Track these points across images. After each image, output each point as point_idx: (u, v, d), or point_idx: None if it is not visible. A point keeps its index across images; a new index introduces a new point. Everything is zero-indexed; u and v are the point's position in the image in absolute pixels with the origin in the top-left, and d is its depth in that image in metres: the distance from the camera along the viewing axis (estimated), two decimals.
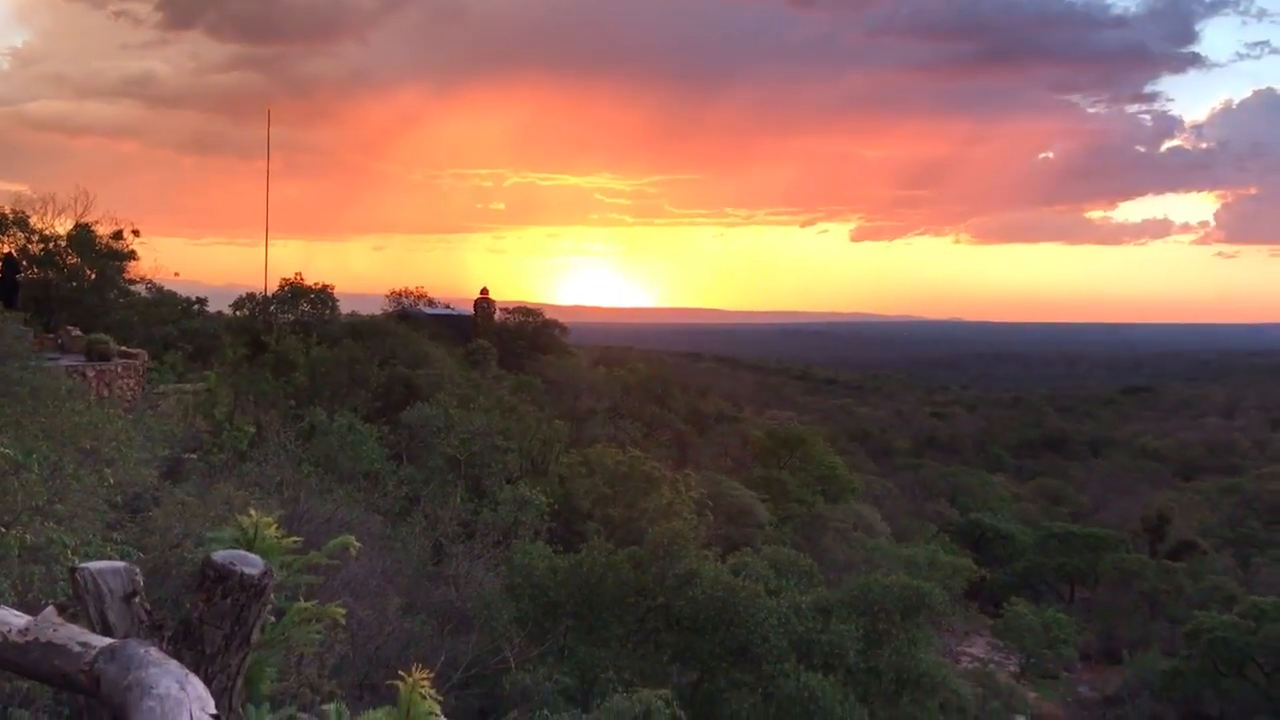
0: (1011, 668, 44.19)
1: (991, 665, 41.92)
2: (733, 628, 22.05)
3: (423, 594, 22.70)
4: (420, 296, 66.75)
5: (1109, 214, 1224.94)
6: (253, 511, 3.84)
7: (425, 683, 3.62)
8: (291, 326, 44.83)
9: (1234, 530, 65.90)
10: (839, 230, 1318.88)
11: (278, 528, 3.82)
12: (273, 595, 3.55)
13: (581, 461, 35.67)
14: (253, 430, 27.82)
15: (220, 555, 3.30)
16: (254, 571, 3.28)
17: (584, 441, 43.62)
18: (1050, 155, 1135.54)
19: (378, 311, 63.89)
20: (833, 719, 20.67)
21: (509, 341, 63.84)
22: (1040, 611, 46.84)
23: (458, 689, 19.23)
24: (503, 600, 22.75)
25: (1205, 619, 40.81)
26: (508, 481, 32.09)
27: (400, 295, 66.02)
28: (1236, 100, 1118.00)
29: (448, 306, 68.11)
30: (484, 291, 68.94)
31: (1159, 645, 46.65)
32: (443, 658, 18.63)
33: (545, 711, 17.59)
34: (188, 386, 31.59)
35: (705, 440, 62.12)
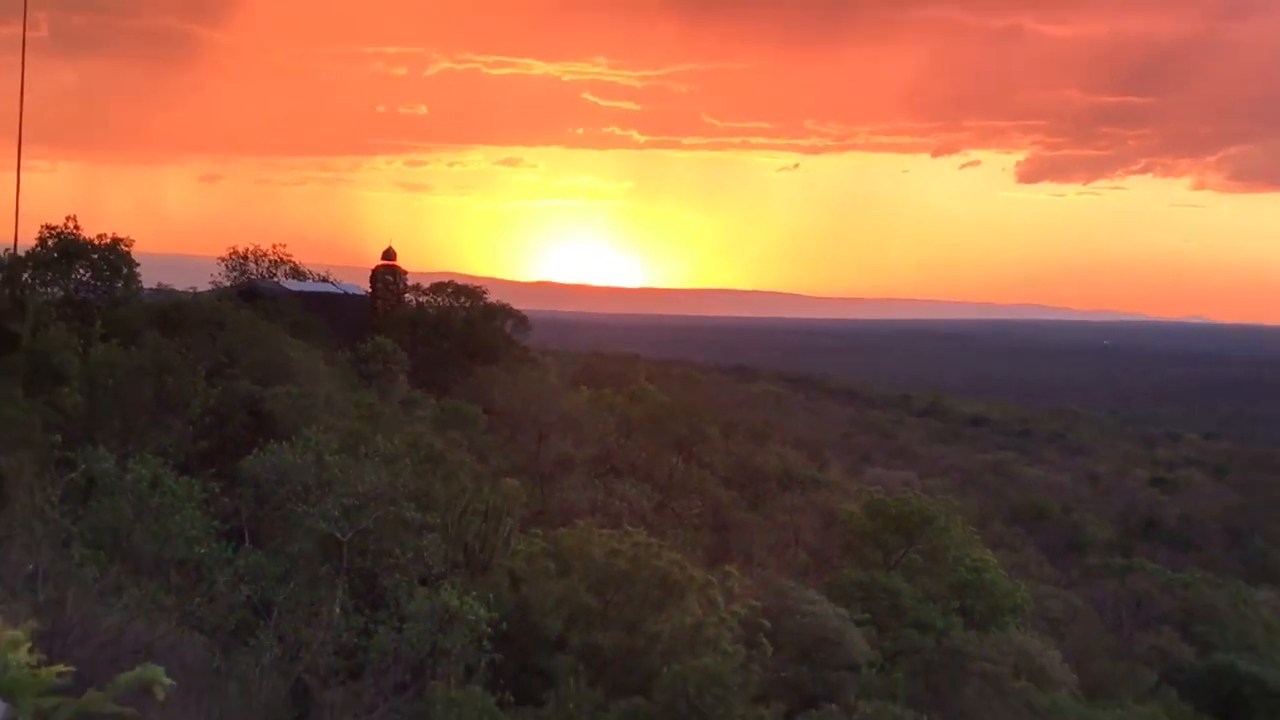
0: None
1: None
2: None
3: None
4: (279, 262, 67.03)
5: None
6: None
7: None
8: (60, 308, 44.87)
9: None
10: (998, 163, 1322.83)
11: (33, 648, 3.80)
12: None
13: (549, 550, 35.57)
14: None
15: None
16: None
17: (554, 515, 43.50)
18: None
19: (207, 285, 64.12)
20: None
21: (429, 340, 63.97)
22: None
23: None
24: None
25: None
26: (422, 581, 32.03)
27: (246, 259, 66.29)
28: None
29: (326, 279, 68.39)
30: (388, 256, 69.11)
31: None
32: None
33: None
34: None
35: (761, 517, 61.93)
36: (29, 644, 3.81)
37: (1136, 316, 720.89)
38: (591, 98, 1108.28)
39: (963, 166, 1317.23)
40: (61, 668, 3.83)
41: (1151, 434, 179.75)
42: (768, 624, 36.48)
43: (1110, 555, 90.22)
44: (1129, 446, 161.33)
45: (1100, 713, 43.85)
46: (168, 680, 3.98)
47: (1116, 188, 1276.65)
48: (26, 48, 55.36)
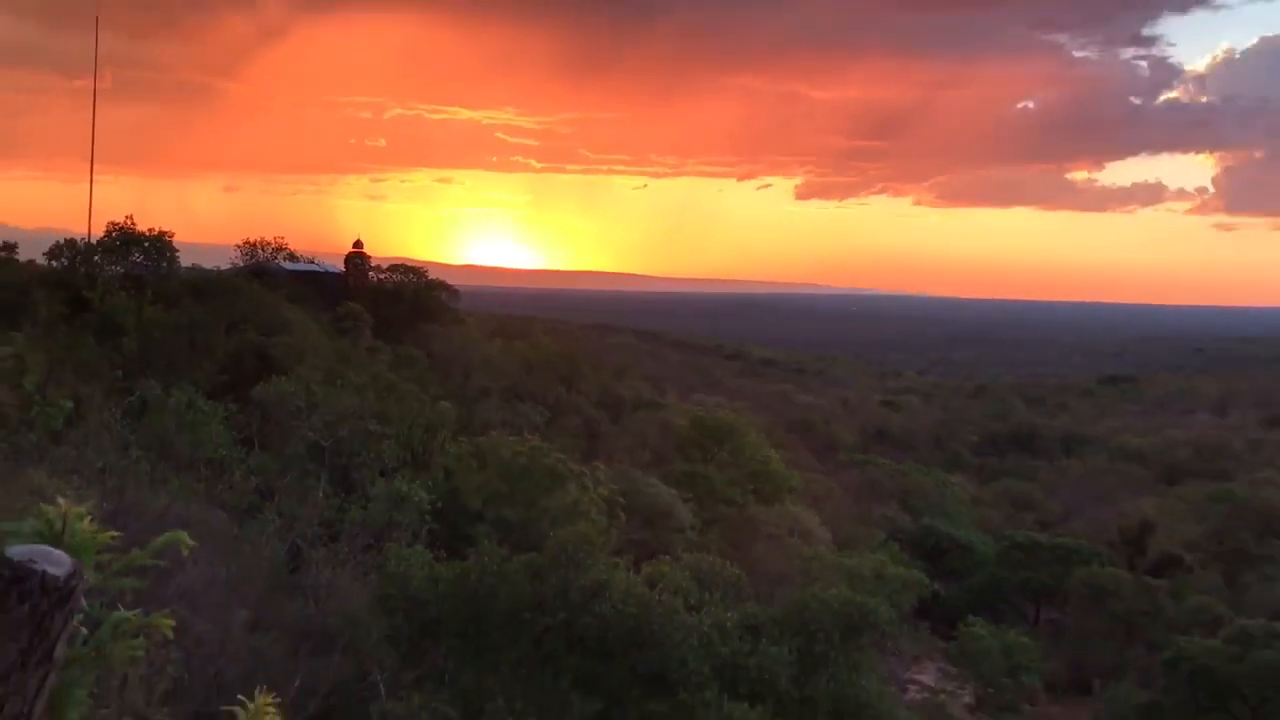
0: (966, 698, 45.18)
1: (943, 696, 42.82)
2: (646, 650, 22.18)
3: (275, 607, 22.42)
4: (279, 249, 65.65)
5: (1094, 176, 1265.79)
6: (61, 500, 3.72)
7: (272, 709, 3.55)
8: (120, 281, 43.87)
9: (1222, 543, 68.13)
10: (783, 186, 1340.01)
11: (92, 520, 3.70)
12: (84, 602, 3.45)
13: (472, 451, 35.44)
14: (70, 406, 27.12)
15: (17, 551, 3.19)
16: (59, 572, 3.17)
17: (475, 428, 43.35)
18: (1030, 105, 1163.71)
19: (226, 265, 62.77)
20: None
21: (386, 306, 63.18)
22: (1000, 634, 47.97)
23: (316, 719, 19.06)
24: (372, 615, 22.55)
25: (1187, 645, 42.22)
26: (382, 474, 31.79)
27: (255, 247, 64.84)
28: (1240, 49, 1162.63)
29: (312, 262, 67.12)
30: (358, 245, 68.10)
31: (1134, 675, 48.12)
32: (298, 682, 18.44)
33: None
34: None
35: (619, 429, 62.23)
36: (90, 516, 3.72)
37: (874, 291, 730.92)
38: (503, 136, 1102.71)
39: (759, 188, 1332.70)
40: (113, 533, 3.74)
41: (883, 371, 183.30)
42: (623, 501, 36.63)
43: (854, 453, 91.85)
44: (868, 379, 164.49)
45: (847, 559, 44.63)
46: (191, 541, 3.91)
47: (862, 204, 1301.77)
48: (96, 95, 54.18)
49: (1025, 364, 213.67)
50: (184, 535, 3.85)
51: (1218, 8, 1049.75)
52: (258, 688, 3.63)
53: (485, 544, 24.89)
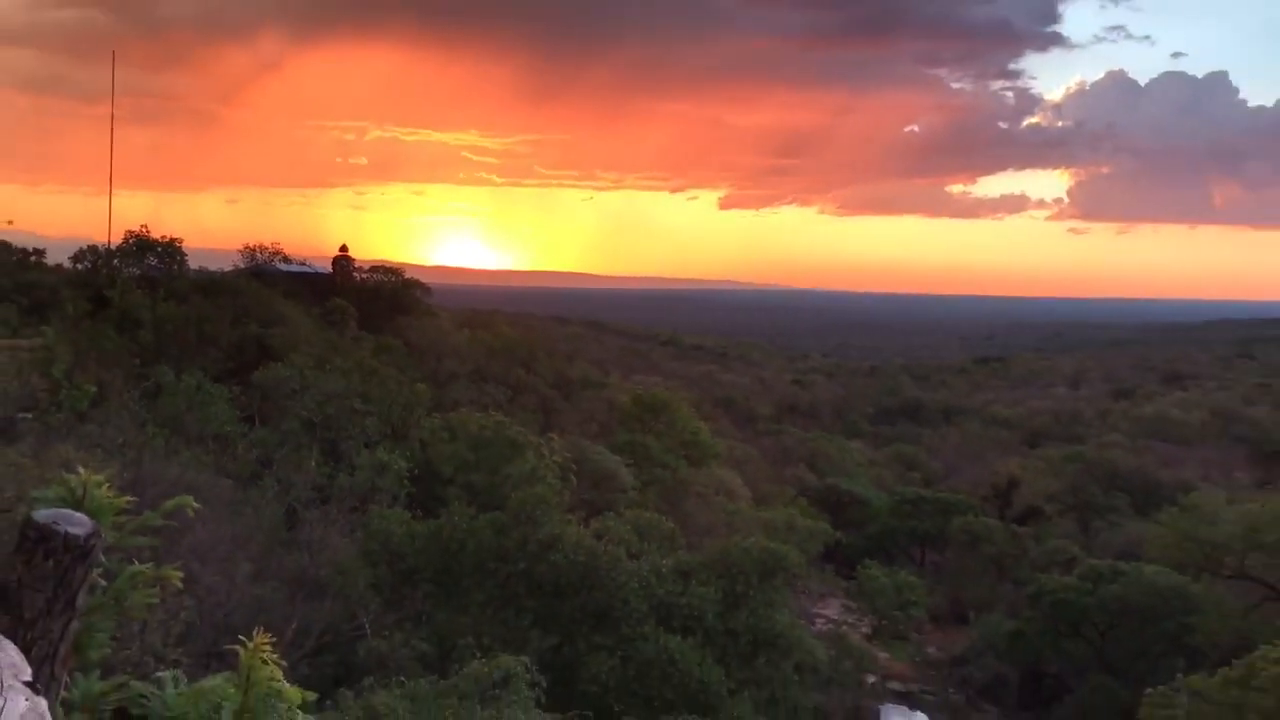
0: (864, 629, 45.73)
1: (845, 626, 43.29)
2: (594, 592, 22.25)
3: (275, 560, 22.19)
4: (275, 253, 64.80)
5: (969, 189, 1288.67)
6: (82, 470, 3.66)
7: (268, 648, 3.53)
8: (137, 282, 43.11)
9: (1076, 496, 69.43)
10: (708, 197, 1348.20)
11: (110, 486, 3.65)
12: (104, 558, 3.41)
13: (443, 426, 35.26)
14: (93, 390, 26.66)
15: (42, 514, 3.15)
16: (79, 532, 3.13)
17: (446, 405, 43.15)
18: (915, 129, 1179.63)
19: (229, 267, 61.83)
20: (690, 680, 21.10)
21: (368, 302, 62.54)
22: (892, 574, 48.53)
23: (310, 656, 18.91)
24: (359, 566, 22.41)
25: (1047, 582, 43.08)
26: (366, 446, 31.54)
27: (254, 251, 63.92)
28: (1090, 81, 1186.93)
29: (304, 264, 66.27)
30: (343, 249, 67.24)
31: (1004, 607, 48.97)
32: (295, 625, 18.29)
33: (401, 678, 17.44)
34: (23, 343, 30.15)
35: (571, 405, 62.16)
36: (108, 484, 3.67)
37: (786, 287, 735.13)
38: (468, 154, 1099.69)
39: (688, 199, 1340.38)
40: (129, 498, 3.70)
41: (793, 354, 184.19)
42: (574, 467, 36.56)
43: (769, 424, 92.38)
44: (780, 361, 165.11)
45: (763, 513, 44.99)
46: (196, 504, 3.86)
47: (775, 213, 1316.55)
48: (114, 120, 53.18)
49: (912, 348, 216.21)
50: (190, 499, 3.82)
51: (1072, 47, 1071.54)
52: (258, 629, 3.61)
53: (455, 505, 24.81)
